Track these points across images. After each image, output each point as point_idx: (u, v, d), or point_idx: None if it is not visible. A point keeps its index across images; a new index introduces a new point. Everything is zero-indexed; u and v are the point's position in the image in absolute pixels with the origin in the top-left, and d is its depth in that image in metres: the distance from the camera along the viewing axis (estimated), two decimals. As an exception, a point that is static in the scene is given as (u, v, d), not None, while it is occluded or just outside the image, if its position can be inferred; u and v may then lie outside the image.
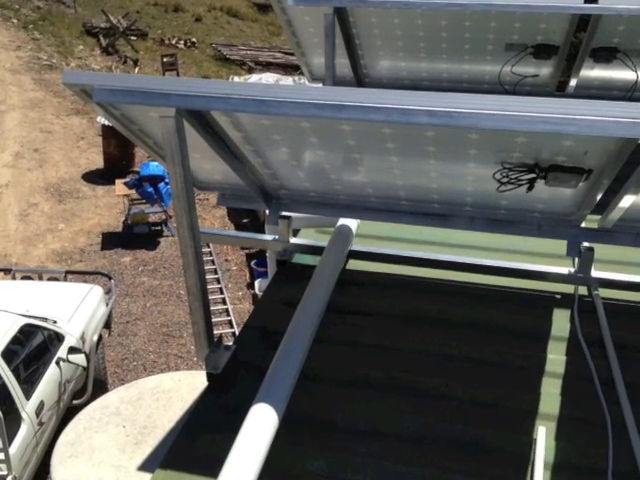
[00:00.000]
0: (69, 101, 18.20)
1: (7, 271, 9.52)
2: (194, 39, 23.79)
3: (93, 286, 8.78)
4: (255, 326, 3.31)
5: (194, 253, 2.61)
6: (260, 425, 2.33)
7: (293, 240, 3.70)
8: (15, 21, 23.94)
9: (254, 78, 17.46)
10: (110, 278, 9.55)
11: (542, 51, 4.71)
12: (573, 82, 5.14)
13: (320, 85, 5.32)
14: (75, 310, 7.95)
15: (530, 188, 2.58)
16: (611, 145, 2.26)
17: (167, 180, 11.76)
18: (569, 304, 3.34)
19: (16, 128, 16.67)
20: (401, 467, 2.53)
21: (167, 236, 12.49)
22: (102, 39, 22.73)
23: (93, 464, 5.43)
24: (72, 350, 7.19)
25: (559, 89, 5.20)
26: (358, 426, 2.69)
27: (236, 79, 17.80)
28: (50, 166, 15.07)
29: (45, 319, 7.44)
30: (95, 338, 7.91)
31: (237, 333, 9.07)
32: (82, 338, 7.69)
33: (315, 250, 3.63)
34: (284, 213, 3.53)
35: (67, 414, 7.03)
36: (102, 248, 12.05)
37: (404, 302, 3.41)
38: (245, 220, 12.84)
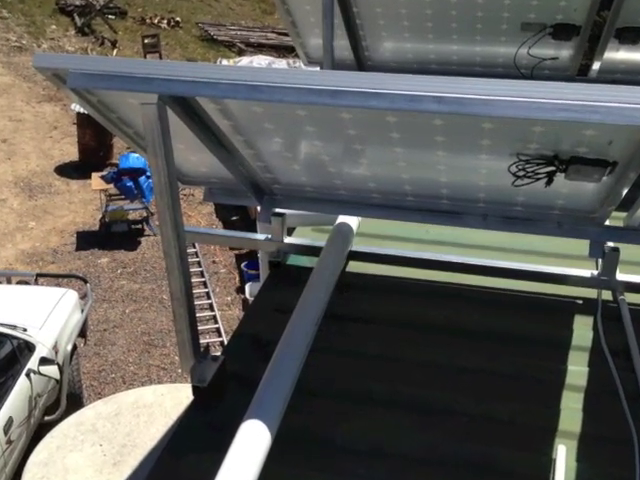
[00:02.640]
0: (41, 86, 18.17)
1: (-28, 274, 9.52)
2: (178, 18, 23.76)
3: (67, 290, 8.78)
4: (246, 334, 3.31)
5: (178, 254, 2.61)
6: (251, 444, 2.33)
7: (287, 240, 3.70)
8: (-19, -2, 23.92)
9: (244, 61, 17.46)
10: (86, 282, 9.54)
11: (562, 31, 4.71)
12: (596, 65, 5.14)
13: (317, 69, 5.31)
14: (47, 317, 7.94)
15: (549, 182, 2.58)
16: (638, 135, 2.26)
17: (149, 174, 11.75)
18: (592, 310, 3.35)
19: (-18, 116, 16.67)
20: (406, 490, 2.53)
21: (149, 235, 12.48)
22: (77, 18, 22.69)
23: (67, 487, 5.42)
24: (44, 361, 7.18)
25: (581, 73, 5.20)
26: (358, 445, 2.69)
27: (225, 62, 17.79)
28: (20, 158, 15.05)
29: (14, 327, 7.43)
30: (69, 348, 7.90)
31: (226, 342, 9.06)
32: (55, 348, 7.68)
33: (312, 251, 3.63)
34: (278, 210, 3.53)
35: (38, 431, 7.03)
36: (77, 248, 12.04)
37: (409, 308, 3.41)
38: (234, 218, 12.83)
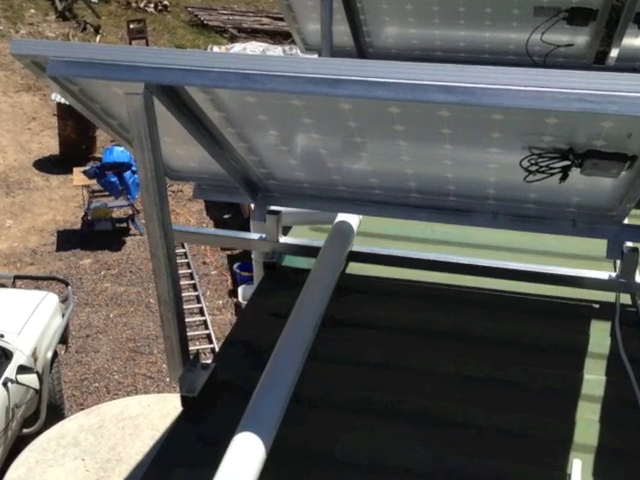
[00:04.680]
0: (18, 75, 18.16)
1: (-55, 276, 9.51)
2: (166, 2, 23.74)
3: (47, 293, 8.76)
4: (238, 341, 3.31)
5: (166, 254, 2.61)
6: (244, 458, 2.33)
7: (283, 239, 3.70)
8: (-46, -20, 23.90)
9: (237, 48, 17.46)
10: (67, 284, 9.52)
11: (577, 16, 4.72)
12: (614, 52, 5.14)
13: (315, 56, 5.32)
14: (26, 322, 7.93)
15: (563, 178, 2.58)
16: (659, 127, 2.26)
17: (134, 168, 11.75)
18: (609, 315, 3.35)
19: (-45, 107, 16.67)
20: (411, 508, 2.53)
21: (134, 234, 12.48)
22: (57, 2, 22.67)
23: (47, 504, 5.42)
24: (22, 369, 7.17)
25: (597, 61, 5.21)
26: (359, 459, 2.69)
27: (216, 49, 17.79)
28: (-4, 152, 15.06)
29: (-10, 333, 7.43)
30: (49, 355, 7.89)
31: (217, 349, 9.06)
32: (34, 355, 7.67)
33: (309, 251, 3.63)
34: (273, 207, 3.53)
35: (16, 445, 7.02)
36: (57, 249, 12.03)
37: (414, 312, 3.41)
38: (226, 216, 12.84)
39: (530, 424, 2.81)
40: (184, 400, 2.80)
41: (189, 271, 11.35)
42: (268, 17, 22.90)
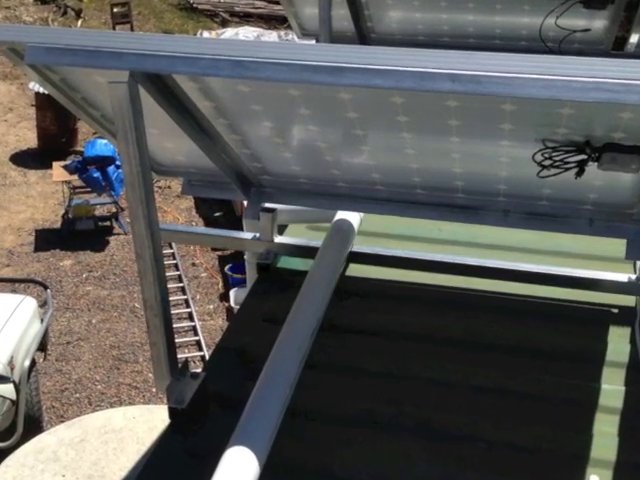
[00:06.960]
0: (-6, 62, 18.18)
1: None
2: (153, -17, 23.78)
3: (24, 297, 8.76)
4: (230, 348, 3.31)
5: (152, 255, 2.61)
6: (236, 474, 2.33)
7: (278, 239, 3.70)
8: None
9: (229, 33, 17.47)
10: (46, 287, 9.50)
11: (595, -1, 4.72)
12: (634, 38, 5.14)
13: (313, 42, 5.32)
14: (1, 328, 7.93)
15: (580, 173, 2.58)
16: (682, 118, 2.27)
17: (118, 163, 11.75)
18: (629, 320, 3.35)
19: None
20: (415, 527, 2.54)
21: (118, 234, 12.48)
22: (36, -17, 22.69)
23: (24, 524, 5.42)
24: (-3, 379, 7.17)
25: (616, 47, 5.21)
26: (360, 475, 2.69)
27: (206, 34, 17.80)
28: (-31, 145, 15.04)
29: (-37, 339, 7.42)
30: (27, 363, 7.88)
31: (207, 357, 9.06)
32: (10, 364, 7.66)
33: (306, 251, 3.63)
34: (267, 205, 3.53)
35: (-9, 460, 7.03)
36: (36, 249, 12.03)
37: (419, 318, 3.42)
38: (217, 214, 12.84)
39: (544, 437, 2.81)
40: (172, 412, 2.80)
41: (177, 273, 11.35)
42: (262, 0, 22.90)
